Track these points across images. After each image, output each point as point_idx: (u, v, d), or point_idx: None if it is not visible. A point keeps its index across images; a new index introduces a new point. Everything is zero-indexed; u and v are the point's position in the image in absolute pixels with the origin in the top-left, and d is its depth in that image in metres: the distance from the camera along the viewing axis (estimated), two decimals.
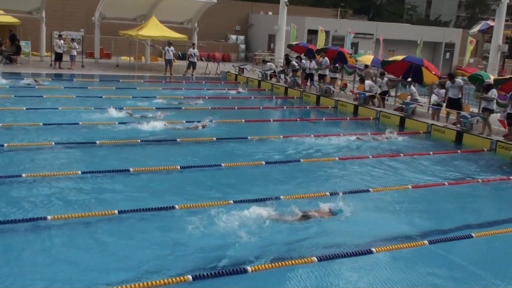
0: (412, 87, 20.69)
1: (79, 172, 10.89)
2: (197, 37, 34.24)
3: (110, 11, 31.58)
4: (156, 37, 30.36)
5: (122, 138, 14.30)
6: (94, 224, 8.47)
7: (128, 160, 12.31)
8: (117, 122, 16.09)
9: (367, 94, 21.84)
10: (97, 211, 8.82)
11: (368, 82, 22.35)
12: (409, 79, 20.93)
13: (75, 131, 14.85)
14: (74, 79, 25.67)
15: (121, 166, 11.52)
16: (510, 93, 16.84)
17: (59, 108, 17.93)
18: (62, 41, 28.70)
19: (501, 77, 20.91)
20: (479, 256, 8.50)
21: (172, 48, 29.77)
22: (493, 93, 17.14)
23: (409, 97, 20.64)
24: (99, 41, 32.50)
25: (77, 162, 11.93)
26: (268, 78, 28.67)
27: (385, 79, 22.03)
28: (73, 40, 29.84)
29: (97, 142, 13.56)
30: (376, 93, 21.75)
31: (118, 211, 8.83)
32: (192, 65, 30.22)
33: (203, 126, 16.48)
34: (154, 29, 29.73)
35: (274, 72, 29.02)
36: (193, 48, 30.43)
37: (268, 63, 29.84)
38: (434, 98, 19.37)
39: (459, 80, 19.00)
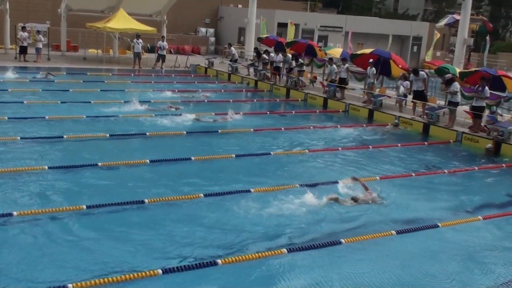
0: (373, 73, 21.03)
1: (46, 167, 10.72)
2: (166, 29, 33.96)
3: (76, 3, 31.05)
4: (124, 30, 30.01)
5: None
6: (61, 219, 8.36)
7: (99, 154, 12.17)
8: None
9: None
10: (64, 206, 8.72)
11: (333, 67, 22.84)
12: (373, 69, 21.07)
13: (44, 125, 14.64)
14: (40, 72, 25.14)
15: (90, 160, 11.41)
16: (476, 86, 17.16)
17: (24, 102, 17.64)
18: (26, 34, 28.09)
19: (466, 70, 21.30)
20: (444, 246, 8.65)
21: (140, 40, 29.46)
22: (455, 86, 17.44)
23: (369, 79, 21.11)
24: (66, 34, 31.95)
25: (44, 156, 11.75)
26: (236, 70, 28.76)
27: (346, 65, 22.30)
28: (38, 32, 29.27)
29: (64, 136, 13.40)
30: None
31: (86, 206, 8.74)
32: (161, 58, 29.98)
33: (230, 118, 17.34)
34: (122, 22, 29.36)
35: (236, 60, 29.44)
36: (162, 41, 30.16)
37: (232, 48, 30.03)
38: (401, 90, 19.66)
39: (422, 72, 19.30)
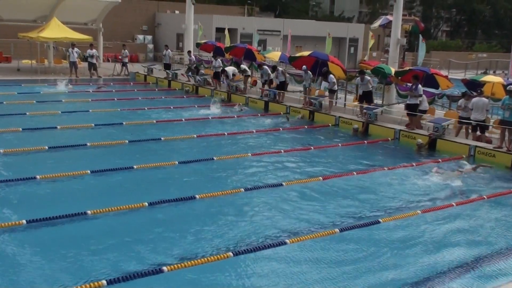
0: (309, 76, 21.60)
1: None
2: (102, 37, 33.39)
3: (6, 13, 30.09)
4: (59, 39, 29.25)
5: None
6: None
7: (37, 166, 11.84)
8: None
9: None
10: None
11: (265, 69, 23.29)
12: (308, 73, 21.60)
13: None
14: None
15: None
16: (411, 84, 17.71)
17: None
18: None
19: (401, 69, 21.96)
20: (392, 239, 8.92)
21: (76, 49, 28.84)
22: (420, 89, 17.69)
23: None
24: None
25: None
26: (176, 76, 28.66)
27: (280, 69, 22.64)
28: None
29: None
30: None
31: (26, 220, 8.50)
32: (92, 66, 29.34)
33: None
34: (56, 31, 28.62)
35: (170, 66, 29.95)
36: (91, 49, 29.30)
37: (168, 50, 30.17)
38: (324, 85, 20.79)
39: (367, 77, 19.69)
